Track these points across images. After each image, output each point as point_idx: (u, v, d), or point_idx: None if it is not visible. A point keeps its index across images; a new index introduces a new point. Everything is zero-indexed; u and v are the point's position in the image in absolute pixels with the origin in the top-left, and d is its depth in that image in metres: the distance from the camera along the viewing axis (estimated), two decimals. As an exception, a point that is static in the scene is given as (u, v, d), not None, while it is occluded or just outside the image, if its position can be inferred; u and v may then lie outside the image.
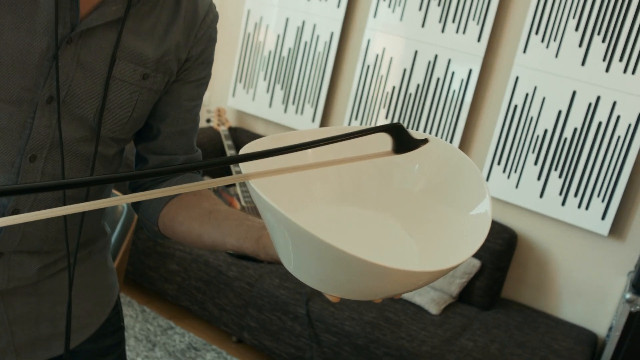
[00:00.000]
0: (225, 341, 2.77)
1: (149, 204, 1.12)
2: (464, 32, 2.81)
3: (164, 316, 2.83)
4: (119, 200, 0.72)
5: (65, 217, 1.05)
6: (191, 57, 1.09)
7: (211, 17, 1.11)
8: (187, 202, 1.10)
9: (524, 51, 2.68)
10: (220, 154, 3.28)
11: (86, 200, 1.08)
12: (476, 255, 2.71)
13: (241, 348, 2.75)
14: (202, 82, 1.14)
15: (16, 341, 1.10)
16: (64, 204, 1.02)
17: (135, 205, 1.16)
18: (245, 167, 0.84)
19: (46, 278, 1.11)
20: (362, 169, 1.01)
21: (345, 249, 0.70)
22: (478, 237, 0.82)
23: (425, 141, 0.76)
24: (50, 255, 1.09)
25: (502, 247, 2.69)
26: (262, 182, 0.82)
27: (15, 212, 1.00)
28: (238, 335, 2.66)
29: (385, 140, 0.79)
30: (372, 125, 2.74)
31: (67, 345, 1.05)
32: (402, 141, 0.76)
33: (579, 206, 2.62)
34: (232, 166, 2.89)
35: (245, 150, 0.87)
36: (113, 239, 1.74)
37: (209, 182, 0.75)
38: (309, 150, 0.99)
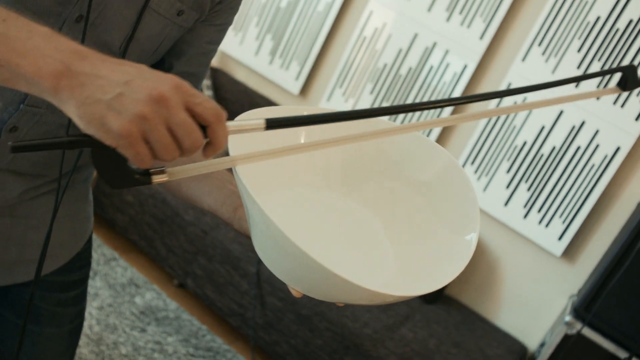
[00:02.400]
0: (167, 283, 2.73)
1: None
2: (468, 26, 2.78)
3: (109, 246, 2.76)
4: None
5: (64, 151, 0.99)
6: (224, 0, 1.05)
7: None
8: None
9: (523, 59, 2.67)
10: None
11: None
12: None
13: (182, 293, 2.72)
14: (225, 27, 1.11)
15: None
16: (67, 131, 0.96)
17: None
18: (234, 146, 0.79)
19: (25, 201, 1.05)
20: (360, 157, 0.99)
21: (318, 260, 0.68)
22: (456, 266, 0.81)
23: None
24: (36, 179, 1.04)
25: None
26: (260, 163, 0.78)
27: (14, 129, 0.94)
28: (182, 280, 2.63)
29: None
30: (354, 98, 2.65)
31: (38, 272, 1.00)
32: (633, 80, 0.87)
33: (540, 222, 2.66)
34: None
35: (242, 117, 0.82)
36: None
37: (218, 162, 0.70)
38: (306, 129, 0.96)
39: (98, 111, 0.59)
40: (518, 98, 2.60)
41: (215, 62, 3.43)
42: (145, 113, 0.59)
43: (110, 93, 0.59)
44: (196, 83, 1.11)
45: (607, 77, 2.51)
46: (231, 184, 0.99)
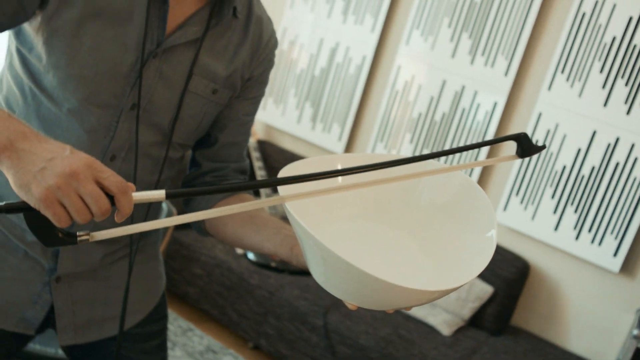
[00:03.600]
0: (242, 347, 2.87)
1: (198, 204, 1.25)
2: (492, 66, 2.92)
3: (185, 318, 2.94)
4: (180, 220, 0.85)
5: (132, 214, 1.17)
6: (253, 76, 1.22)
7: (273, 42, 1.24)
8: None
9: (549, 88, 2.78)
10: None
11: (149, 205, 1.20)
12: (489, 282, 2.80)
13: (257, 354, 2.85)
14: (258, 99, 1.27)
15: (76, 320, 1.22)
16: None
17: (186, 204, 1.28)
18: (284, 189, 0.96)
19: (106, 265, 1.23)
20: (385, 190, 1.13)
21: (368, 271, 0.82)
22: (484, 258, 0.95)
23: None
24: (113, 244, 1.21)
25: (514, 276, 2.78)
26: (301, 202, 0.95)
27: None
28: (255, 341, 2.77)
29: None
30: (395, 148, 2.81)
31: (121, 327, 1.17)
32: (527, 147, 0.96)
33: (592, 241, 2.71)
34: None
35: (283, 173, 0.99)
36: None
37: (256, 203, 0.88)
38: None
39: (26, 179, 0.78)
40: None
41: (261, 134, 3.66)
42: (60, 184, 0.77)
43: (37, 166, 0.78)
44: (240, 150, 1.28)
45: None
46: (285, 229, 1.14)
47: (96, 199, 0.78)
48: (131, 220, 1.17)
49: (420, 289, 0.85)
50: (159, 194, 0.81)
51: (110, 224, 1.13)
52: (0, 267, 1.15)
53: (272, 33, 1.24)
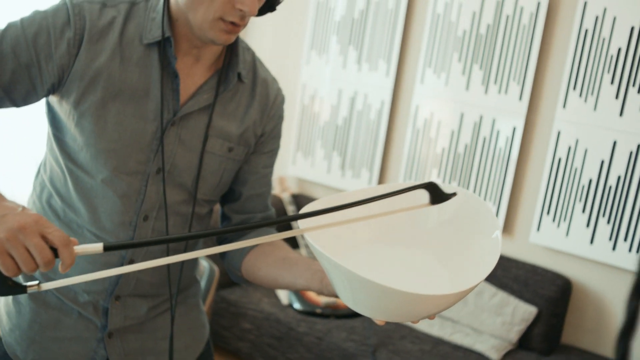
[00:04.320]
0: (298, 395, 2.93)
1: (233, 255, 1.36)
2: (505, 92, 3.01)
3: (240, 373, 3.01)
4: (212, 250, 0.96)
5: (168, 266, 1.29)
6: (265, 132, 1.34)
7: (280, 99, 1.37)
8: (264, 251, 1.32)
9: (564, 106, 2.85)
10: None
11: (185, 252, 1.31)
12: (532, 303, 2.82)
13: (313, 401, 2.90)
14: (274, 152, 1.39)
15: None
16: (168, 256, 1.26)
17: (222, 256, 1.39)
18: (303, 223, 1.07)
19: (152, 318, 1.34)
20: (393, 215, 1.22)
21: (389, 284, 0.91)
22: (493, 257, 1.05)
23: (454, 194, 1.01)
24: (156, 298, 1.32)
25: (556, 294, 2.80)
26: (316, 232, 1.06)
27: (131, 262, 1.24)
28: (310, 388, 2.82)
29: (420, 194, 1.04)
30: None
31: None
32: (437, 195, 1.03)
33: (630, 250, 2.73)
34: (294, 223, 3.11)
35: (304, 209, 1.10)
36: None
37: (276, 235, 1.00)
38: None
39: None
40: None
41: (294, 188, 3.78)
42: (9, 237, 0.89)
43: None
44: (264, 200, 1.40)
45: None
46: (314, 264, 1.24)
47: (40, 250, 0.90)
48: (168, 272, 1.29)
49: (440, 294, 0.94)
50: (97, 246, 0.92)
51: (160, 253, 1.25)
52: (58, 328, 1.27)
53: (278, 91, 1.37)
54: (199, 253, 1.00)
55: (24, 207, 0.95)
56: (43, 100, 1.23)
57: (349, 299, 1.05)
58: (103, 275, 0.95)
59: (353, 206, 1.00)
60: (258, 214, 1.39)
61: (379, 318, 1.04)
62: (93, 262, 1.22)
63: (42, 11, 1.15)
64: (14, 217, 0.92)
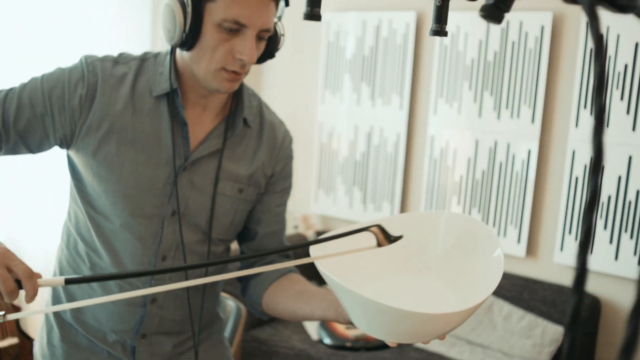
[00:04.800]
0: None
1: (254, 290, 1.41)
2: (518, 116, 3.05)
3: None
4: (229, 275, 1.01)
5: (189, 305, 1.35)
6: (275, 172, 1.41)
7: (288, 140, 1.44)
8: (283, 286, 1.38)
9: (576, 125, 2.89)
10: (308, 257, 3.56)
11: (204, 291, 1.37)
12: (561, 323, 2.82)
13: None
14: (286, 190, 1.46)
15: None
16: (188, 296, 1.32)
17: (243, 293, 1.45)
18: (313, 252, 1.13)
19: (177, 355, 1.40)
20: (399, 248, 1.28)
21: (399, 306, 0.96)
22: (497, 274, 1.09)
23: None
24: (180, 335, 1.38)
25: (585, 313, 2.79)
26: (329, 264, 1.12)
27: (153, 300, 1.30)
28: (345, 422, 2.83)
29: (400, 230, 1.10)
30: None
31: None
32: (382, 237, 1.09)
33: (655, 264, 2.72)
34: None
35: (313, 250, 1.17)
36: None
37: (289, 263, 1.05)
38: (364, 235, 1.26)
39: None
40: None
41: (318, 225, 3.84)
42: None
43: None
44: (279, 237, 1.46)
45: None
46: (329, 295, 1.29)
47: (3, 281, 0.98)
48: (189, 306, 1.35)
49: (449, 312, 0.99)
50: (59, 280, 0.98)
51: (181, 292, 1.31)
52: None
53: (286, 132, 1.44)
54: (214, 278, 1.05)
55: None
56: (65, 156, 1.32)
57: (361, 323, 1.10)
58: (75, 306, 1.02)
59: (308, 245, 1.10)
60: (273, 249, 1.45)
61: (391, 340, 1.09)
62: (117, 303, 1.29)
63: (62, 68, 1.26)
64: None
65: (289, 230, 3.71)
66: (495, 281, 1.07)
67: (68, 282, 0.99)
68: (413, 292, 1.23)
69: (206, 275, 1.38)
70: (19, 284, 1.00)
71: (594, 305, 2.83)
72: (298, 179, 3.80)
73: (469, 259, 1.20)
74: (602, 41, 0.42)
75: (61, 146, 1.29)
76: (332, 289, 1.10)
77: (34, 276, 1.01)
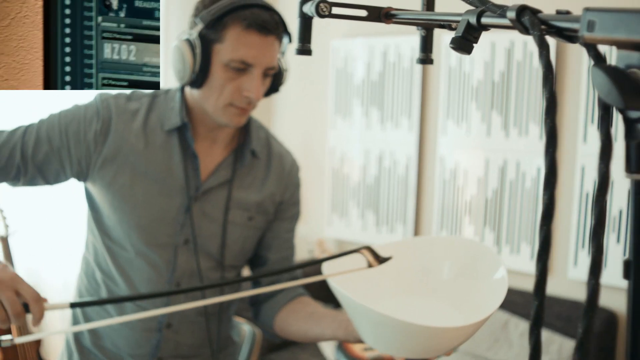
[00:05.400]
0: None
1: (266, 313, 1.46)
2: (526, 134, 3.08)
3: None
4: (242, 294, 1.06)
5: (208, 328, 1.39)
6: (284, 200, 1.46)
7: (295, 169, 1.49)
8: (294, 309, 1.42)
9: (584, 141, 2.91)
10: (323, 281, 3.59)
11: (219, 314, 1.42)
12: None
13: None
14: (294, 217, 1.51)
15: None
16: (205, 318, 1.37)
17: (256, 317, 1.49)
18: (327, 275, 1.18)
19: None
20: (400, 269, 1.31)
21: (409, 320, 1.00)
22: (501, 294, 1.13)
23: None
24: (195, 359, 1.42)
25: (602, 328, 2.79)
26: (340, 282, 1.16)
27: (169, 325, 1.35)
28: None
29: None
30: (457, 233, 3.02)
31: None
32: (372, 258, 1.14)
33: (670, 276, 2.72)
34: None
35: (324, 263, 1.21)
36: None
37: (301, 281, 1.09)
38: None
39: None
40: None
41: (333, 249, 3.87)
42: None
43: None
44: (289, 262, 1.51)
45: None
46: (339, 315, 1.33)
47: (11, 303, 1.02)
48: (206, 323, 1.39)
49: (457, 326, 1.03)
50: (64, 304, 1.03)
51: (195, 316, 1.35)
52: None
53: (293, 162, 1.50)
54: (229, 297, 1.10)
55: (5, 265, 1.08)
56: (82, 189, 1.38)
57: (370, 338, 1.14)
58: (88, 327, 1.07)
59: (303, 267, 1.15)
60: (285, 275, 1.50)
61: (400, 355, 1.12)
62: (133, 328, 1.33)
63: (78, 105, 1.33)
64: None
65: (304, 254, 3.75)
66: (500, 297, 1.11)
67: (73, 305, 1.04)
68: (420, 312, 1.26)
69: (220, 310, 1.43)
70: (26, 308, 1.04)
71: (610, 320, 2.82)
72: (311, 204, 3.84)
73: (473, 282, 1.23)
74: (551, 67, 0.46)
75: (78, 179, 1.35)
76: (342, 303, 1.14)
77: (40, 300, 1.05)
